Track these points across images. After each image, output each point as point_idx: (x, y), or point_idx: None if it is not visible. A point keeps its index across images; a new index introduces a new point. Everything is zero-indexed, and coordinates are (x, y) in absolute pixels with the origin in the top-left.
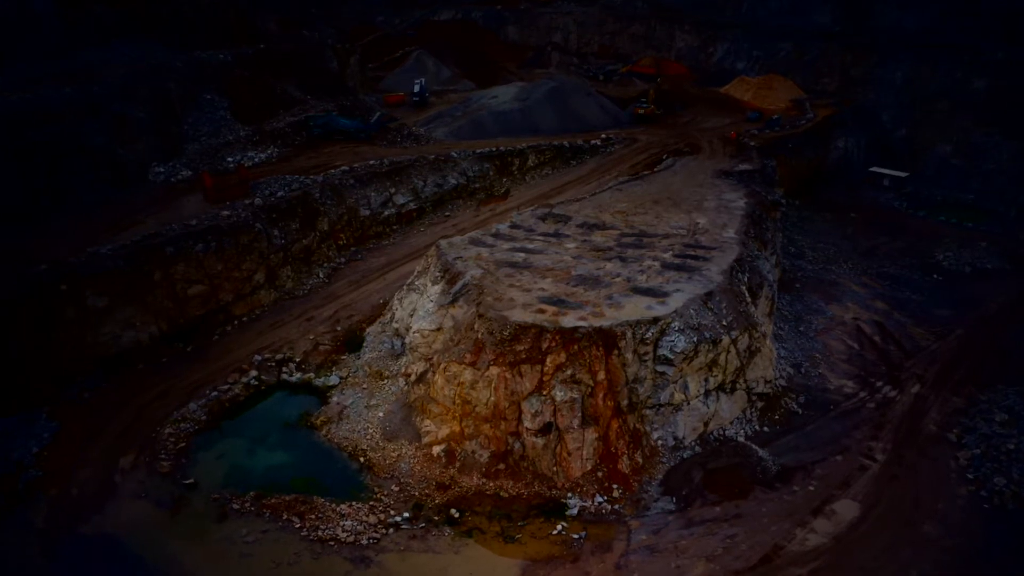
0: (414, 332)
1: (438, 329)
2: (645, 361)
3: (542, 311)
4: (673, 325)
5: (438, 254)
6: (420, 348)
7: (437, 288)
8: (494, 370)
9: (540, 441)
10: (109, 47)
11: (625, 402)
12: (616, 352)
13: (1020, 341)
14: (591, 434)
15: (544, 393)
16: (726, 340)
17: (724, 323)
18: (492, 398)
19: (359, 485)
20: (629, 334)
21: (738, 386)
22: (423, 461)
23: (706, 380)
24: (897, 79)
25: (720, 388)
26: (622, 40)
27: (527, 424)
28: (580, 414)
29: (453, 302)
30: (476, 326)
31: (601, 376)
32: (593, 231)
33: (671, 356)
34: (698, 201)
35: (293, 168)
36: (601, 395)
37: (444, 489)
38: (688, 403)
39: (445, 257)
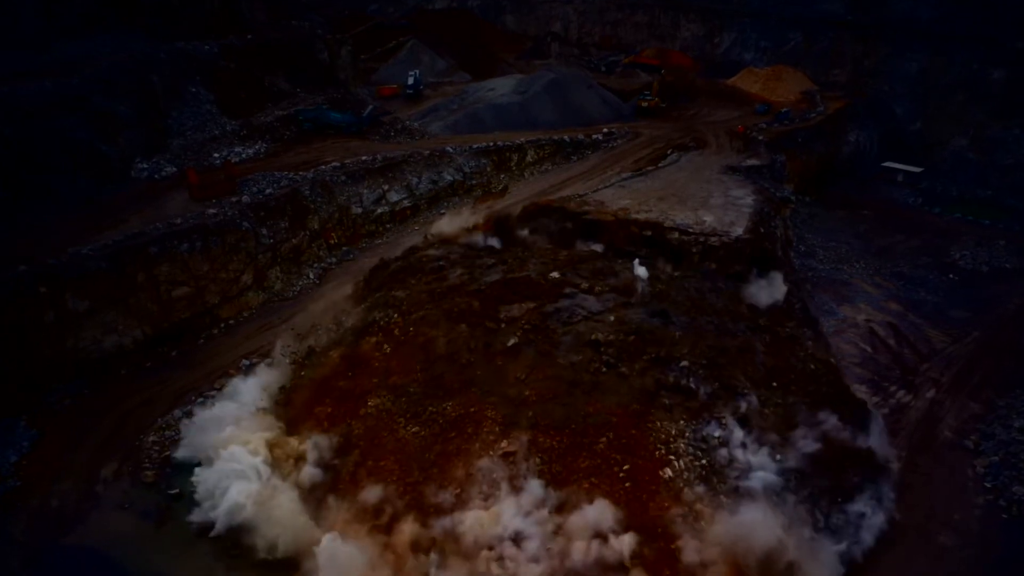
0: None
1: None
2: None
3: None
4: None
5: None
6: None
7: None
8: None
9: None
10: (90, 38)
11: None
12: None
13: None
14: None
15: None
16: None
17: None
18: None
19: None
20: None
21: None
22: None
23: None
24: (911, 70)
25: None
26: (625, 30)
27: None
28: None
29: None
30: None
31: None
32: None
33: None
34: (704, 198)
35: (282, 164)
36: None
37: None
38: None
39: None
